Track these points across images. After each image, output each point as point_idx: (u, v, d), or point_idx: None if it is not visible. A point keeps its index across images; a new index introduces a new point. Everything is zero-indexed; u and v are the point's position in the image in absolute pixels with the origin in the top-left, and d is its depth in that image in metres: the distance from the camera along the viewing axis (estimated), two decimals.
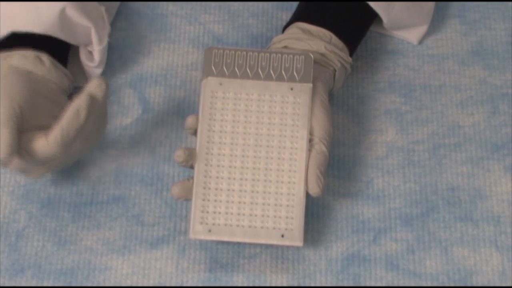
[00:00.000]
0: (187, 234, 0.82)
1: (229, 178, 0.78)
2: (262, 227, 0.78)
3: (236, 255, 0.81)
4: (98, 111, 0.77)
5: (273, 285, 0.80)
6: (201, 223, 0.77)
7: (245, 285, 0.80)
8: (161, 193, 0.84)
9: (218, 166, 0.78)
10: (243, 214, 0.78)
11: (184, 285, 0.80)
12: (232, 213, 0.78)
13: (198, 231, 0.77)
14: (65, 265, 0.81)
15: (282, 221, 0.78)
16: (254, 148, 0.79)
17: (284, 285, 0.80)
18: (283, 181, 0.78)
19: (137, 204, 0.84)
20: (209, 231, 0.77)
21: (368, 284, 0.80)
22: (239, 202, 0.78)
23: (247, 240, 0.77)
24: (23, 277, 0.80)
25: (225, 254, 0.81)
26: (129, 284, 0.80)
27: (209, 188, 0.78)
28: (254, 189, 0.78)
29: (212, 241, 0.82)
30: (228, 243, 0.82)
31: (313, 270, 0.81)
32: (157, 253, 0.81)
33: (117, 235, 0.82)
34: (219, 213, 0.78)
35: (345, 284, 0.80)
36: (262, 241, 0.78)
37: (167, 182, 0.85)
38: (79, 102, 0.75)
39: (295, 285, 0.80)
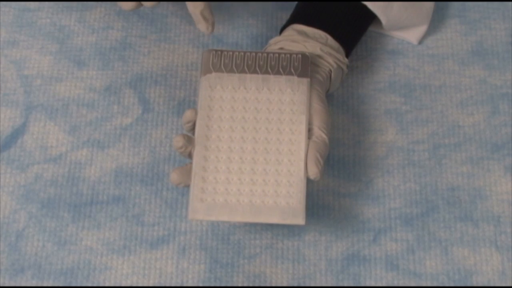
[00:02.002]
0: (187, 234, 0.82)
1: (228, 161, 0.77)
2: (262, 206, 0.77)
3: (236, 255, 0.81)
4: None
5: (273, 285, 0.80)
6: (200, 202, 0.76)
7: (245, 285, 0.80)
8: (161, 193, 0.84)
9: (217, 150, 0.78)
10: (243, 194, 0.77)
11: (184, 285, 0.80)
12: (231, 193, 0.77)
13: (197, 211, 0.76)
14: (65, 265, 0.81)
15: (283, 200, 0.77)
16: (253, 133, 0.78)
17: (284, 285, 0.80)
18: (283, 162, 0.77)
19: (137, 204, 0.84)
20: (208, 210, 0.76)
21: (368, 284, 0.80)
22: (239, 183, 0.77)
23: (247, 219, 0.76)
24: (23, 277, 0.80)
25: (225, 254, 0.81)
26: (129, 284, 0.80)
27: (208, 170, 0.77)
28: (254, 170, 0.77)
29: (212, 241, 0.82)
30: (228, 242, 0.82)
31: (313, 270, 0.81)
32: (157, 253, 0.81)
33: (117, 235, 0.82)
34: (218, 193, 0.77)
35: (345, 284, 0.80)
36: (263, 220, 0.76)
37: (167, 182, 0.85)
38: None
39: (295, 285, 0.80)
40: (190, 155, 0.78)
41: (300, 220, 0.76)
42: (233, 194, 0.77)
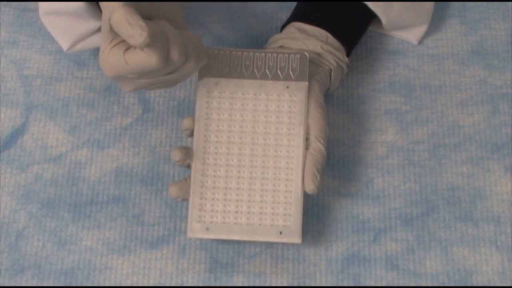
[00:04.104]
0: (186, 234, 0.82)
1: (226, 177, 0.78)
2: (260, 225, 0.78)
3: (236, 255, 0.81)
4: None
5: (273, 285, 0.80)
6: (199, 221, 0.78)
7: (245, 285, 0.80)
8: (161, 193, 0.84)
9: (215, 164, 0.78)
10: (241, 212, 0.78)
11: (184, 285, 0.80)
12: (229, 211, 0.78)
13: (195, 230, 0.78)
14: (65, 265, 0.81)
15: (280, 218, 0.78)
16: (251, 147, 0.79)
17: (284, 285, 0.80)
18: (280, 178, 0.78)
19: (137, 204, 0.84)
20: (207, 229, 0.77)
21: (368, 284, 0.80)
22: (237, 200, 0.78)
23: (245, 238, 0.78)
24: (23, 277, 0.80)
25: (225, 254, 0.81)
26: (129, 284, 0.80)
27: (206, 187, 0.78)
28: (252, 187, 0.78)
29: (212, 241, 0.82)
30: (228, 242, 0.82)
31: (313, 270, 0.81)
32: (157, 253, 0.81)
33: (117, 235, 0.82)
34: (217, 211, 0.78)
35: (345, 284, 0.80)
36: (260, 239, 0.78)
37: (167, 182, 0.85)
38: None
39: (295, 285, 0.80)
40: (189, 166, 0.79)
41: (296, 239, 0.77)
42: (231, 213, 0.78)
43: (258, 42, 0.92)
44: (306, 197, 0.81)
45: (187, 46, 0.72)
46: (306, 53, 0.80)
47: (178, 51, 0.70)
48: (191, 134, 0.80)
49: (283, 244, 0.82)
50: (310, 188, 0.78)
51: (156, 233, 0.82)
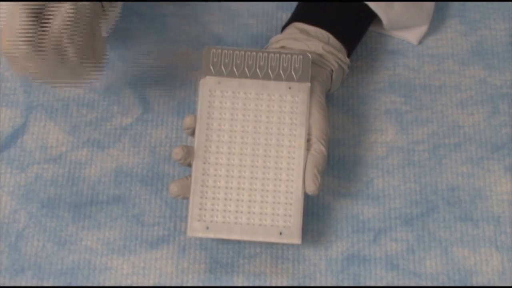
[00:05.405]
0: (186, 233, 0.82)
1: (227, 176, 0.78)
2: (260, 225, 0.78)
3: (236, 255, 0.81)
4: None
5: (273, 285, 0.80)
6: (199, 220, 0.78)
7: (245, 285, 0.80)
8: (161, 193, 0.84)
9: (216, 164, 0.78)
10: (241, 212, 0.78)
11: (184, 285, 0.80)
12: (230, 211, 0.78)
13: (195, 229, 0.77)
14: (65, 265, 0.81)
15: (280, 219, 0.78)
16: (252, 146, 0.79)
17: (284, 285, 0.80)
18: (281, 179, 0.78)
19: (137, 204, 0.84)
20: (207, 228, 0.77)
21: (368, 284, 0.80)
22: (237, 200, 0.78)
23: (245, 238, 0.78)
24: (23, 277, 0.80)
25: (225, 254, 0.81)
26: (129, 284, 0.80)
27: (207, 186, 0.78)
28: (252, 187, 0.78)
29: (212, 241, 0.82)
30: (228, 242, 0.82)
31: (313, 270, 0.81)
32: (157, 253, 0.81)
33: (117, 235, 0.82)
34: (217, 210, 0.78)
35: (345, 284, 0.80)
36: (260, 239, 0.78)
37: (167, 182, 0.85)
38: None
39: (295, 285, 0.80)
40: (190, 165, 0.79)
41: (296, 239, 0.77)
42: (231, 213, 0.78)
43: (258, 42, 0.92)
44: (306, 197, 0.81)
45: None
46: (308, 54, 0.80)
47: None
48: (192, 133, 0.80)
49: (283, 244, 0.82)
50: (311, 189, 0.78)
51: (156, 233, 0.82)
